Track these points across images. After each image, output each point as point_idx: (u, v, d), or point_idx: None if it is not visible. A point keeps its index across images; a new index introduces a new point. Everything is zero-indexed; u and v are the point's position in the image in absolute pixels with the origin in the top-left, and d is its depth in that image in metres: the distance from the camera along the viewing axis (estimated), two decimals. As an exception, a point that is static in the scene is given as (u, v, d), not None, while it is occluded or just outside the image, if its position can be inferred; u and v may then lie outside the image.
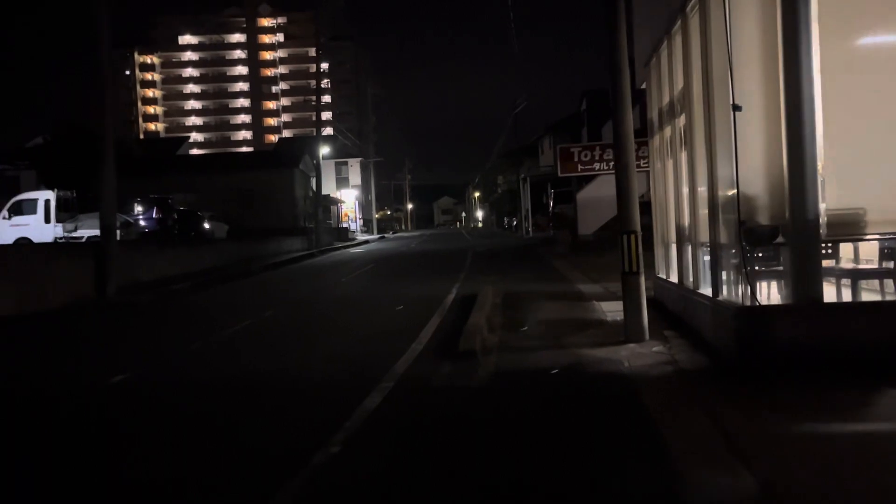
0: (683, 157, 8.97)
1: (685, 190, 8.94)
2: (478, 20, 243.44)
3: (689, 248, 8.69)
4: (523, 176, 42.14)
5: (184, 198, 39.83)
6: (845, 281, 6.84)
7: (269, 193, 40.45)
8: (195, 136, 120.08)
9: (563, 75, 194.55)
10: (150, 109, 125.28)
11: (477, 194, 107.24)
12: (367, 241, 45.71)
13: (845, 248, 7.12)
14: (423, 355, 7.57)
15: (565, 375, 6.49)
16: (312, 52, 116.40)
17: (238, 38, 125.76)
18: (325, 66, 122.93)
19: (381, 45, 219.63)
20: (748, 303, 6.40)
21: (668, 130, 9.73)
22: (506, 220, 58.62)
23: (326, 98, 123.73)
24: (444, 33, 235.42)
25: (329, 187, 63.41)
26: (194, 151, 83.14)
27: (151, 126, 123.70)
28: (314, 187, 38.94)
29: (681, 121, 8.86)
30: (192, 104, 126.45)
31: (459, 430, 5.01)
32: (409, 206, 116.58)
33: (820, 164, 6.18)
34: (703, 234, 7.95)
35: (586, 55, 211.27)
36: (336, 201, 56.06)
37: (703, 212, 7.91)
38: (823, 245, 6.46)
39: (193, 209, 29.60)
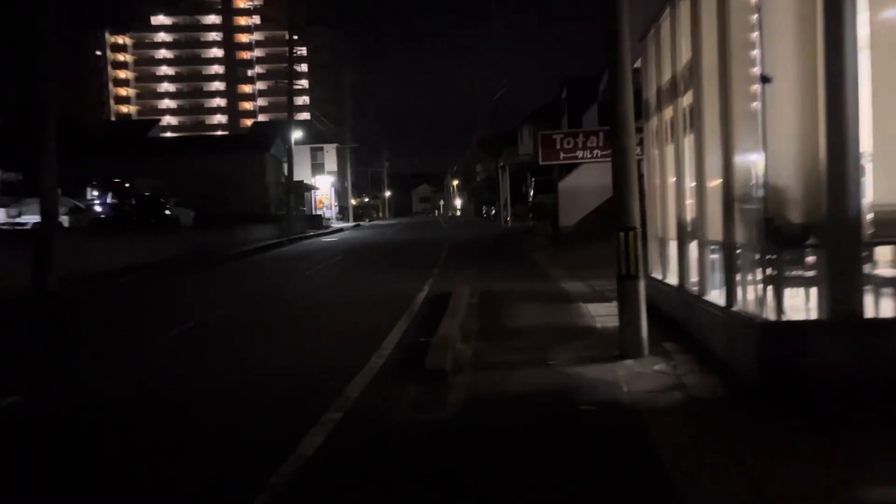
0: (687, 141, 7.86)
1: (689, 179, 7.83)
2: (459, 7, 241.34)
3: (694, 247, 7.58)
4: (502, 164, 40.98)
5: (149, 182, 38.18)
6: (886, 290, 5.75)
7: (240, 179, 38.92)
8: (169, 120, 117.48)
9: (542, 64, 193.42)
10: (122, 91, 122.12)
11: (455, 182, 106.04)
12: (341, 230, 44.33)
13: (881, 252, 6.04)
14: (383, 373, 6.38)
15: (553, 404, 5.34)
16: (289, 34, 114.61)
17: (213, 19, 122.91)
18: (302, 50, 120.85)
19: (360, 30, 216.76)
20: (773, 316, 5.30)
21: (668, 112, 8.60)
22: (484, 209, 57.51)
23: (303, 83, 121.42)
24: (424, 20, 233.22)
25: (304, 173, 61.81)
26: (167, 135, 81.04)
27: (123, 108, 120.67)
28: (287, 173, 37.50)
29: (685, 100, 7.73)
30: (166, 87, 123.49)
31: (421, 492, 3.83)
32: (387, 194, 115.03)
33: (864, 151, 5.09)
34: (713, 231, 6.85)
35: (567, 44, 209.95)
36: (310, 188, 54.55)
37: (713, 205, 6.81)
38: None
39: (157, 194, 28.05)
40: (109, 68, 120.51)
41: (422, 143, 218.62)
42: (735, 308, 5.98)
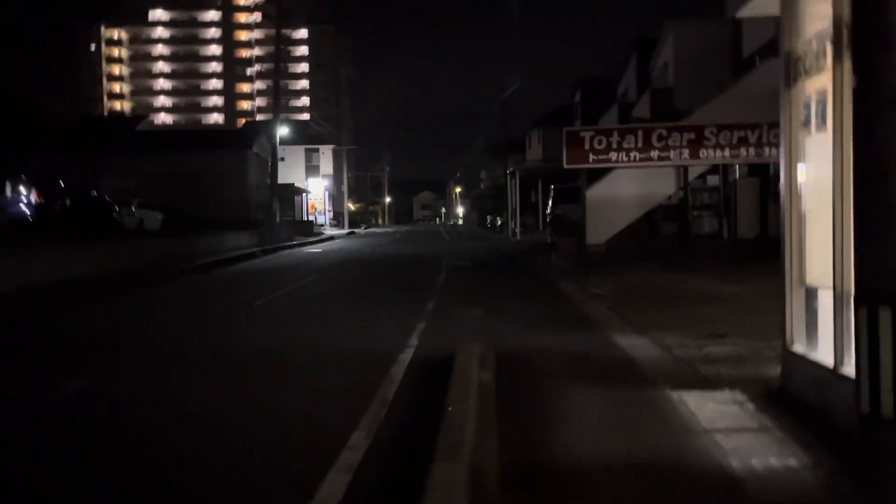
0: None
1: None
2: (465, 10, 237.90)
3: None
4: (511, 170, 36.98)
5: (118, 181, 34.48)
6: None
7: (218, 179, 35.03)
8: (164, 118, 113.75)
9: (553, 70, 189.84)
10: (116, 87, 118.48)
11: (458, 190, 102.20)
12: (331, 238, 40.30)
13: None
14: None
15: None
16: (293, 33, 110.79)
17: (213, 16, 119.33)
18: (303, 50, 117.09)
19: (364, 32, 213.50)
20: None
21: (837, 71, 4.54)
22: (489, 218, 53.48)
23: (303, 83, 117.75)
24: (429, 23, 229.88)
25: (297, 175, 58.03)
26: (145, 131, 77.09)
27: (117, 105, 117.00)
28: (271, 173, 33.52)
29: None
30: (162, 84, 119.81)
31: None
32: (388, 200, 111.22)
33: None
34: None
35: (578, 47, 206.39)
36: (301, 191, 50.54)
37: None
38: None
39: (105, 194, 23.99)
40: (104, 63, 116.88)
41: (425, 149, 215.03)
42: None
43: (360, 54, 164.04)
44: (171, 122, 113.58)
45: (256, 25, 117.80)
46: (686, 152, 16.65)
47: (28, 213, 18.02)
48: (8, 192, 17.69)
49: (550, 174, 33.03)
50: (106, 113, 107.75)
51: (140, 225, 26.24)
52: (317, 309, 11.41)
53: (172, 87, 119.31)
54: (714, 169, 19.13)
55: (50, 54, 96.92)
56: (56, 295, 12.57)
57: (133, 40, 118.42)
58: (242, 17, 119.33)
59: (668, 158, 16.75)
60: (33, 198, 17.65)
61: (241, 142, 37.83)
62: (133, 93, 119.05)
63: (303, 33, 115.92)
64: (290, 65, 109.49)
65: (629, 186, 17.89)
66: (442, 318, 9.96)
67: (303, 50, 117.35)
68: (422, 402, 5.74)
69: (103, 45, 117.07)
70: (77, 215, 19.27)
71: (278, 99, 33.27)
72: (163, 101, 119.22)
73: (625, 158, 16.89)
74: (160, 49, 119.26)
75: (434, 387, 5.86)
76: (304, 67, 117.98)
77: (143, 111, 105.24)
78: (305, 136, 63.66)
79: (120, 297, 13.09)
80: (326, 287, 14.68)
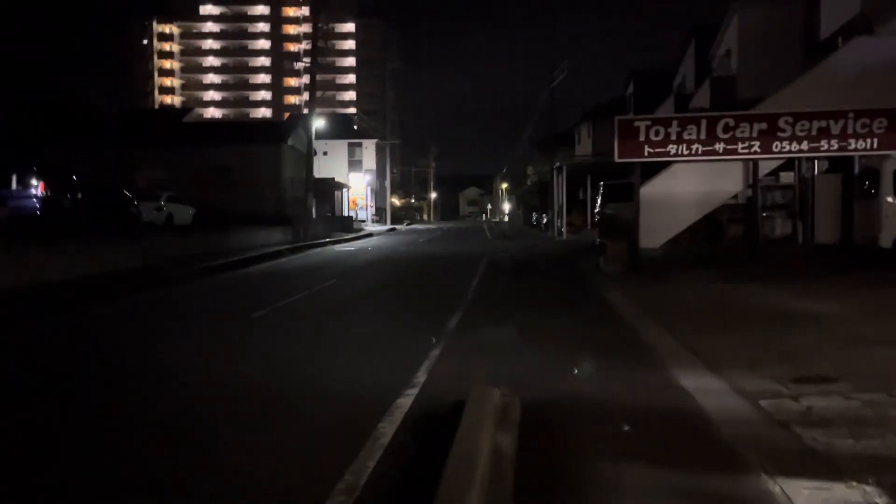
0: None
1: None
2: (513, 5, 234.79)
3: None
4: (558, 164, 34.93)
5: (149, 174, 33.71)
6: None
7: (251, 172, 33.91)
8: (213, 112, 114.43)
9: (604, 65, 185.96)
10: (167, 82, 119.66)
11: (504, 186, 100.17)
12: (369, 235, 38.84)
13: None
14: None
15: None
16: (339, 27, 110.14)
17: (262, 10, 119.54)
18: (350, 44, 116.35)
19: (411, 25, 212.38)
20: None
21: None
22: (534, 215, 51.45)
23: (349, 78, 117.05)
24: (478, 15, 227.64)
25: (340, 170, 56.98)
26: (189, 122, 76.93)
27: (168, 99, 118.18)
28: (307, 167, 32.16)
29: None
30: (212, 78, 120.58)
31: None
32: (433, 196, 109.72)
33: None
34: None
35: (631, 42, 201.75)
36: (341, 186, 49.23)
37: None
38: None
39: (150, 187, 22.91)
40: (155, 58, 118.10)
41: (472, 144, 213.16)
42: None
43: (406, 48, 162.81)
44: (220, 117, 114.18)
45: (304, 19, 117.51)
46: (756, 145, 14.54)
47: (37, 206, 16.87)
48: (14, 184, 16.55)
49: (600, 170, 30.96)
50: (157, 107, 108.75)
51: (169, 219, 25.13)
52: (318, 325, 9.74)
53: (222, 81, 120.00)
54: (788, 164, 16.90)
55: (103, 49, 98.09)
56: (31, 300, 11.21)
57: (184, 35, 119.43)
58: (291, 11, 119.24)
59: (735, 152, 14.67)
60: (39, 191, 16.47)
61: (277, 134, 36.64)
62: (183, 87, 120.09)
63: (349, 27, 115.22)
64: (336, 59, 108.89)
65: (689, 183, 15.87)
66: (464, 341, 8.20)
67: (349, 44, 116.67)
68: (408, 489, 4.01)
69: (155, 39, 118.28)
70: (89, 209, 18.08)
71: (314, 91, 31.90)
72: (212, 95, 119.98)
73: (685, 151, 14.85)
74: (210, 43, 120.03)
75: (431, 457, 4.15)
76: (350, 62, 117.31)
77: (193, 105, 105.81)
78: (349, 130, 62.54)
79: (101, 305, 11.63)
80: (341, 295, 13.02)
